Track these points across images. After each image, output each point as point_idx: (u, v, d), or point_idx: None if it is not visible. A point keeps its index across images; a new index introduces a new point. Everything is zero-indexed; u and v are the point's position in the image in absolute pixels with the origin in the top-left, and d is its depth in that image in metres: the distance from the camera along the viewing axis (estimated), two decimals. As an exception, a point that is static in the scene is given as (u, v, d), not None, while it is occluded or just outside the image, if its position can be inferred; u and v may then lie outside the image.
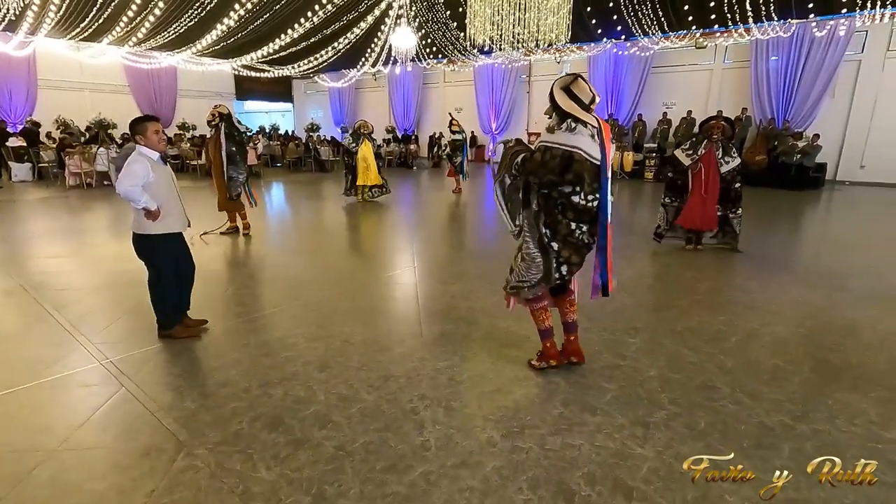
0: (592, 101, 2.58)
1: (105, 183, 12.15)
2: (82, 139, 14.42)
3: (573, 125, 2.54)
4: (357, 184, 9.42)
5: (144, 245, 3.26)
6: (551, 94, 2.62)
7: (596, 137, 2.56)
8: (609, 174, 2.59)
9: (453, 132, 10.61)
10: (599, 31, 13.33)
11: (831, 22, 11.69)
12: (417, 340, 3.48)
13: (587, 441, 2.35)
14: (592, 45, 14.78)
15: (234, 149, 6.29)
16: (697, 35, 12.95)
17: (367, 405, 2.65)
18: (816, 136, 11.84)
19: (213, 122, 6.30)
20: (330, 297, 4.38)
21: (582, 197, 2.60)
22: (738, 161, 5.58)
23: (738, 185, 5.66)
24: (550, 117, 2.69)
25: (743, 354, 3.26)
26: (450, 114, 11.15)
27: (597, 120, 2.60)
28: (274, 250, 6.27)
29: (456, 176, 10.85)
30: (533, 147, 2.68)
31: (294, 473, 2.13)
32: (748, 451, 2.27)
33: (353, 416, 2.55)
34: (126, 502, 1.97)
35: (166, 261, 3.34)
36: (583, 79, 2.62)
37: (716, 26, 12.57)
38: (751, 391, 2.79)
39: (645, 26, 12.41)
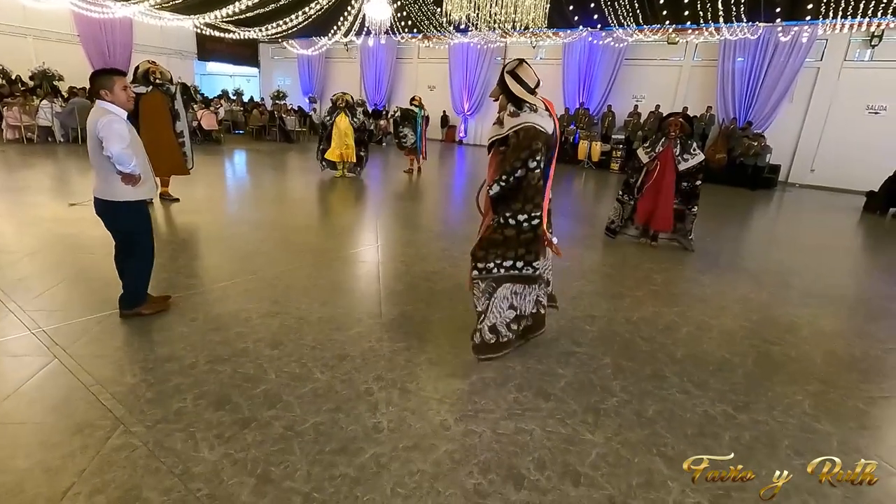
0: (537, 84, 2.75)
1: (49, 139, 11.34)
2: (22, 89, 13.31)
3: (534, 107, 2.70)
4: (326, 157, 9.17)
5: (121, 214, 2.97)
6: (502, 80, 2.75)
7: (548, 116, 2.75)
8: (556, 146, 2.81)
9: (412, 104, 10.15)
10: (576, 17, 13.31)
11: (795, 28, 12.08)
12: (376, 320, 3.42)
13: (539, 426, 2.37)
14: (568, 31, 14.77)
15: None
16: (670, 30, 13.14)
17: (320, 385, 2.59)
18: (762, 137, 12.34)
19: (159, 82, 5.92)
20: (288, 272, 4.25)
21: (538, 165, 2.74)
22: (699, 158, 5.54)
23: (698, 182, 5.62)
24: (496, 100, 2.84)
25: (693, 345, 3.37)
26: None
27: (543, 101, 2.77)
28: (231, 221, 6.02)
29: (410, 155, 10.42)
30: (510, 131, 2.72)
31: (239, 454, 2.05)
32: (692, 438, 2.35)
33: (305, 396, 2.48)
34: (52, 481, 1.84)
35: (146, 230, 3.10)
36: (526, 63, 2.77)
37: (688, 23, 12.78)
38: (698, 381, 2.89)
39: (620, 17, 12.47)
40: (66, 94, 13.58)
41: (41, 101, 11.37)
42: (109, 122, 2.79)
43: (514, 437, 2.29)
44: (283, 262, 4.50)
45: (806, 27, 11.95)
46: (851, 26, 11.82)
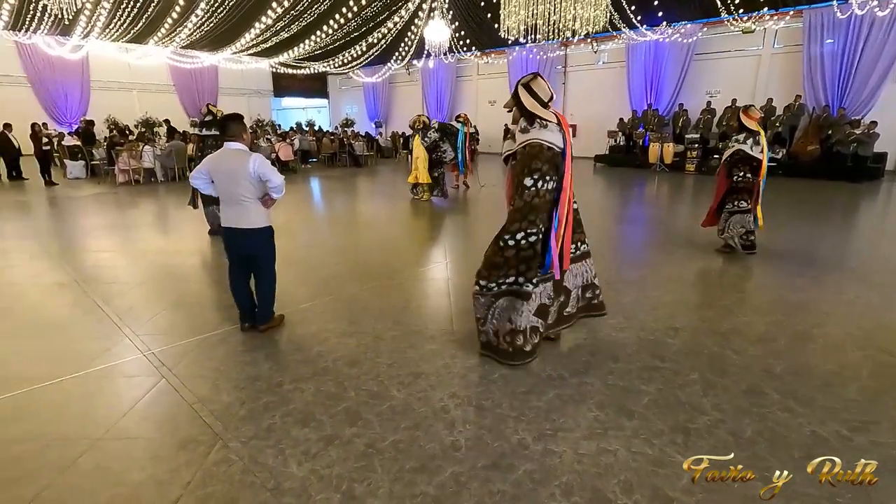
0: (551, 98, 2.83)
1: (151, 179, 12.67)
2: (129, 137, 15.04)
3: (544, 122, 2.77)
4: (408, 181, 9.41)
5: (263, 239, 3.39)
6: (516, 93, 2.84)
7: (558, 131, 2.78)
8: (569, 160, 2.80)
9: (457, 121, 10.02)
10: (639, 17, 12.86)
11: (895, 0, 10.85)
12: (448, 337, 3.44)
13: (623, 446, 2.25)
14: (632, 32, 14.30)
15: None
16: (745, 18, 12.31)
17: (398, 402, 2.64)
18: (874, 123, 11.06)
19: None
20: (362, 292, 4.40)
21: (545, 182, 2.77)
22: (729, 150, 5.12)
23: (735, 177, 5.10)
24: (510, 111, 2.95)
25: (793, 358, 3.07)
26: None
27: (555, 115, 2.81)
28: (308, 245, 6.36)
29: (454, 170, 10.35)
30: (519, 147, 2.86)
31: (324, 470, 2.13)
32: (799, 462, 2.12)
33: (384, 414, 2.54)
34: (163, 493, 2.02)
35: (275, 251, 3.53)
36: (541, 77, 2.85)
37: (765, 9, 11.91)
38: (802, 398, 2.62)
39: (688, 11, 11.89)
40: (164, 138, 15.17)
41: (144, 145, 12.75)
42: (263, 160, 3.16)
43: (596, 457, 2.19)
44: (358, 283, 4.68)
45: (907, -2, 10.70)
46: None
